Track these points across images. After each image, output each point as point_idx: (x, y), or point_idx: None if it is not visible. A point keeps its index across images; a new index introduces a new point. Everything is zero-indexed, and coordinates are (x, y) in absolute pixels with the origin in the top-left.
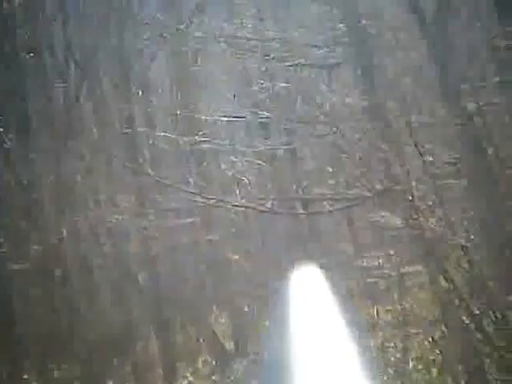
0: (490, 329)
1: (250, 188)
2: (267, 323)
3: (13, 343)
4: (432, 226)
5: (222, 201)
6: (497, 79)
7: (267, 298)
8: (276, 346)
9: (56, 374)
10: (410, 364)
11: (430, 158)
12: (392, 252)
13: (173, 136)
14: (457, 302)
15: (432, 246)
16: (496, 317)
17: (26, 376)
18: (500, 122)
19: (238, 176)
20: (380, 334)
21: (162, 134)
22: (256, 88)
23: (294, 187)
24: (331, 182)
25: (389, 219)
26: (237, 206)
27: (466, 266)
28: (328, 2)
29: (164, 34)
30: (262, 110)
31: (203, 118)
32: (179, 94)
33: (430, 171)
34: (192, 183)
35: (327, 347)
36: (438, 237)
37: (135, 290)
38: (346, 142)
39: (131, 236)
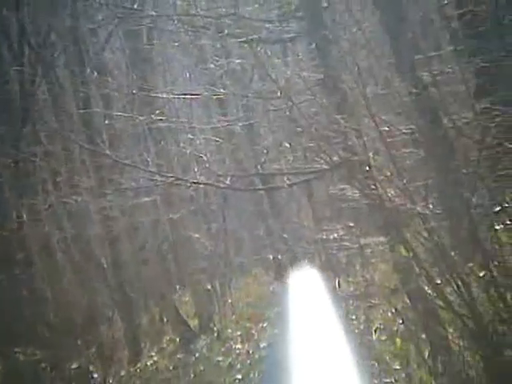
0: (451, 297)
1: (208, 165)
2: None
3: None
4: (390, 196)
5: (181, 179)
6: (450, 48)
7: (230, 275)
8: (277, 347)
9: (21, 357)
10: (374, 335)
11: (387, 129)
12: (352, 224)
13: (130, 115)
14: (418, 270)
15: (391, 216)
16: (457, 285)
17: None
18: (455, 91)
19: (197, 153)
20: (343, 305)
21: (119, 113)
22: (211, 65)
23: (253, 163)
24: (289, 156)
25: (347, 191)
26: (196, 183)
27: (425, 234)
28: None
29: (118, 14)
30: (218, 87)
31: (160, 96)
32: (135, 73)
33: (386, 142)
34: (150, 162)
35: (324, 347)
36: (397, 207)
37: (97, 272)
38: (302, 115)
39: (91, 217)
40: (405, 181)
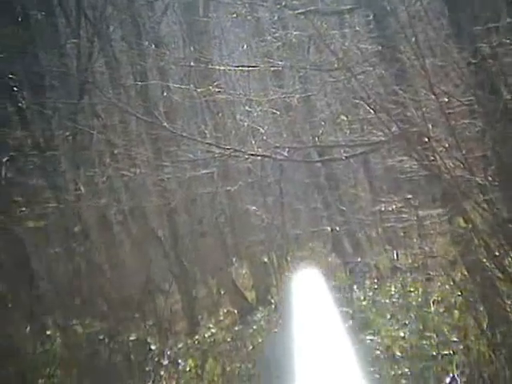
0: (510, 268)
1: (265, 137)
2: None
3: (34, 301)
4: (449, 167)
5: (238, 151)
6: (509, 19)
7: (287, 247)
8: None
9: (79, 329)
10: (432, 307)
11: (445, 100)
12: (409, 196)
13: (187, 88)
14: (476, 242)
15: (450, 187)
16: None
17: (48, 332)
18: None
19: (254, 126)
20: (400, 278)
21: (176, 86)
22: (269, 37)
23: (310, 135)
24: (347, 128)
25: (405, 163)
26: (253, 155)
27: (484, 206)
28: None
29: None
30: (275, 59)
31: (217, 68)
32: (192, 45)
33: (445, 113)
34: (208, 134)
35: (328, 347)
36: (456, 178)
37: (155, 244)
38: (360, 87)
39: (149, 189)
40: (463, 152)
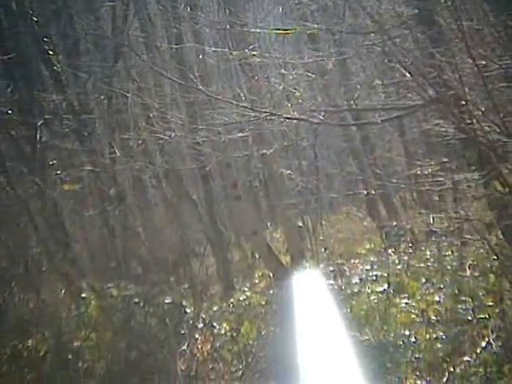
0: None
1: (300, 101)
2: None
3: (69, 264)
4: (486, 131)
5: (273, 114)
6: None
7: (321, 211)
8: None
9: (114, 292)
10: (467, 271)
11: (483, 63)
12: (445, 159)
13: (222, 51)
14: None
15: (486, 151)
16: None
17: (84, 295)
18: None
19: (289, 89)
20: (435, 243)
21: (212, 49)
22: (304, 0)
23: (345, 99)
24: (382, 92)
25: (441, 126)
26: (289, 118)
27: None
28: None
29: None
30: (310, 23)
31: (252, 32)
32: (227, 9)
33: (483, 76)
34: (243, 97)
35: (329, 347)
36: (493, 142)
37: (189, 208)
38: (397, 50)
39: (184, 153)
40: (500, 115)
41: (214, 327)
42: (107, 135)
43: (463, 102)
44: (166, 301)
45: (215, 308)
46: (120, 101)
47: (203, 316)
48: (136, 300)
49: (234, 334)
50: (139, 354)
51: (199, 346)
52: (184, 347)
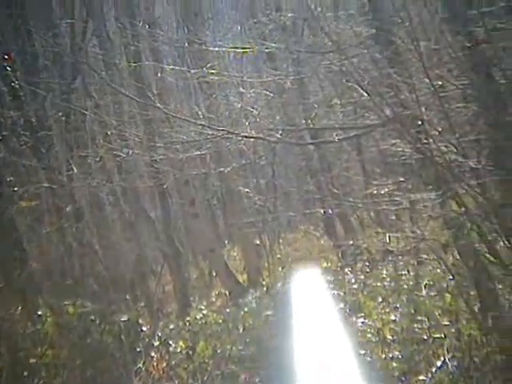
0: (502, 253)
1: (258, 119)
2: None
3: (25, 281)
4: (442, 151)
5: (231, 132)
6: (503, 4)
7: (279, 230)
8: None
9: (70, 309)
10: (423, 291)
11: (439, 83)
12: (402, 179)
13: (181, 69)
14: (469, 226)
15: (443, 171)
16: (509, 241)
17: (39, 312)
18: (508, 47)
19: (247, 107)
20: (392, 262)
21: (170, 67)
22: (263, 19)
23: (303, 117)
24: (340, 111)
25: (398, 146)
26: (246, 137)
27: (477, 189)
28: None
29: None
30: (269, 41)
31: (210, 50)
32: (186, 27)
33: (439, 96)
34: (201, 116)
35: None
36: (449, 162)
37: (147, 225)
38: (354, 70)
39: (141, 170)
40: (457, 136)
41: (170, 345)
42: (65, 152)
43: (420, 122)
44: (123, 318)
45: (171, 326)
46: (78, 118)
47: (159, 334)
48: (92, 317)
49: (190, 352)
50: (95, 371)
51: (155, 364)
52: (140, 365)
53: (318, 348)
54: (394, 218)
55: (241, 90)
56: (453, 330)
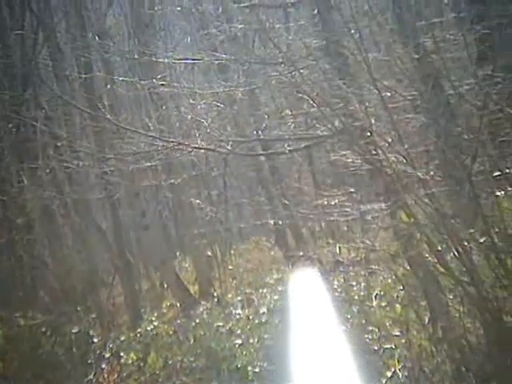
0: (452, 263)
1: (209, 130)
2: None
3: None
4: (392, 162)
5: (182, 143)
6: (452, 15)
7: (230, 241)
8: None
9: (21, 321)
10: (374, 301)
11: (388, 94)
12: (352, 190)
13: (131, 80)
14: (418, 237)
15: (392, 182)
16: (458, 251)
17: None
18: (456, 58)
19: (198, 119)
20: (343, 272)
21: (121, 78)
22: (213, 30)
23: (254, 129)
24: (290, 122)
25: (348, 157)
26: (197, 148)
27: (426, 200)
28: None
29: None
30: (220, 53)
31: (161, 61)
32: (137, 38)
33: (388, 107)
34: (152, 127)
35: (325, 345)
36: (398, 173)
37: (98, 237)
38: (304, 81)
39: (92, 182)
40: (406, 146)
41: (121, 357)
42: (15, 164)
43: (369, 133)
44: (74, 330)
45: (122, 338)
46: (28, 129)
47: (110, 346)
48: (43, 329)
49: (141, 364)
50: (46, 383)
51: (106, 376)
52: (91, 377)
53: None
54: (344, 228)
55: (192, 101)
56: (403, 341)
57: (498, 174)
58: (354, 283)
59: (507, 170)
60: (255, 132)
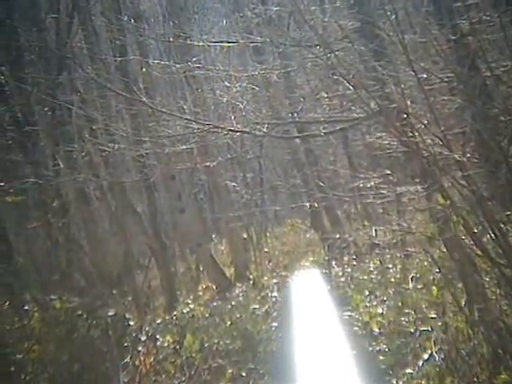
0: (489, 246)
1: (244, 113)
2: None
3: (12, 276)
4: (428, 144)
5: (217, 126)
6: None
7: (266, 223)
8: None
9: (58, 304)
10: (410, 284)
11: (425, 76)
12: (388, 172)
13: (166, 63)
14: (455, 219)
15: (428, 164)
16: (494, 233)
17: (26, 307)
18: (493, 39)
19: (233, 101)
20: (379, 255)
21: (156, 61)
22: (248, 13)
23: (289, 111)
24: (326, 104)
25: (384, 139)
26: (232, 131)
27: (463, 182)
28: None
29: None
30: (255, 35)
31: (196, 44)
32: (171, 21)
33: (424, 89)
34: (187, 110)
35: (326, 346)
36: (435, 155)
37: (134, 220)
38: (339, 63)
39: (128, 165)
40: (442, 129)
41: (157, 340)
42: (51, 147)
43: (405, 115)
44: (109, 313)
45: (158, 320)
46: (64, 113)
47: (146, 328)
48: (79, 312)
49: (177, 347)
50: (82, 366)
51: (142, 359)
52: (127, 360)
53: (306, 343)
54: (380, 211)
55: (227, 83)
56: (439, 323)
57: None
58: (390, 266)
59: None
60: (290, 114)
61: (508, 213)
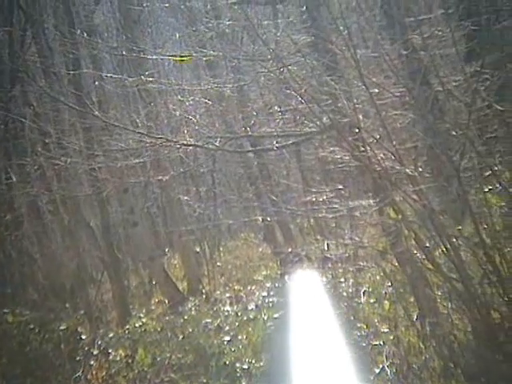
0: (440, 259)
1: (198, 127)
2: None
3: None
4: (380, 158)
5: (170, 140)
6: (441, 11)
7: (219, 237)
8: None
9: (10, 318)
10: (362, 298)
11: (376, 91)
12: (340, 186)
13: (120, 77)
14: (406, 233)
15: (380, 178)
16: (446, 247)
17: None
18: (445, 54)
19: (186, 115)
20: (331, 269)
21: (109, 75)
22: (202, 27)
23: (242, 125)
24: (279, 118)
25: (336, 154)
26: (185, 145)
27: (414, 196)
28: None
29: None
30: (208, 49)
31: (149, 58)
32: (125, 35)
33: (376, 104)
34: (140, 124)
35: (313, 342)
36: (386, 169)
37: (87, 233)
38: (292, 78)
39: (81, 178)
40: (394, 143)
41: (110, 354)
42: (4, 160)
43: (357, 130)
44: (62, 327)
45: (111, 334)
46: (17, 126)
47: (99, 342)
48: (31, 326)
49: (130, 361)
50: (34, 380)
51: (94, 373)
52: (79, 373)
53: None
54: (333, 225)
55: (180, 97)
56: (391, 337)
57: (486, 170)
58: (343, 279)
59: (495, 167)
60: (244, 128)
61: (459, 227)
